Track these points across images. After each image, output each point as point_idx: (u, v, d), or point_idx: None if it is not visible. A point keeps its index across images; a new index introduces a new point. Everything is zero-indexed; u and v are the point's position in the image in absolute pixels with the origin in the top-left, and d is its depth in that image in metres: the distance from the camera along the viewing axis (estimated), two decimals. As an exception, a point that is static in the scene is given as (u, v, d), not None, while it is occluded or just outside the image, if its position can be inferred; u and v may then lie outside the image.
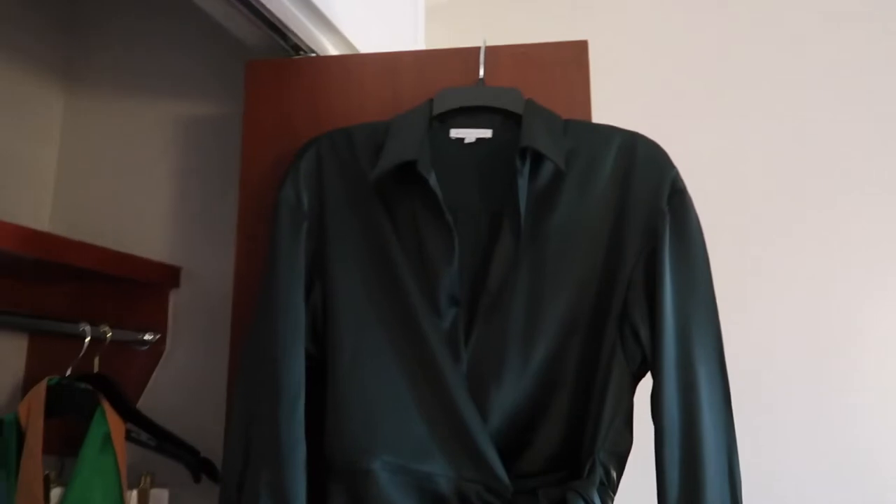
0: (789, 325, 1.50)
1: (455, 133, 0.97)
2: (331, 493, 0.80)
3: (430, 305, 0.86)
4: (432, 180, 0.87)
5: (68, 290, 1.35)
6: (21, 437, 1.09)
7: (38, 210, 1.45)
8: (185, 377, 1.31)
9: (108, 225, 1.41)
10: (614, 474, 0.81)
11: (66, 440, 1.16)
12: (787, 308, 1.50)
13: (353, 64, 1.08)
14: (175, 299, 1.35)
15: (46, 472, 1.09)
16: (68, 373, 1.15)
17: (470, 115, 0.97)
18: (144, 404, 1.27)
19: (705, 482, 0.78)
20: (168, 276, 1.35)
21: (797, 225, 1.52)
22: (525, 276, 0.87)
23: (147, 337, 1.31)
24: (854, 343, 1.48)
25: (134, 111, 1.45)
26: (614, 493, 0.81)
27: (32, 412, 1.11)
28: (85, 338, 1.16)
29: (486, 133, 0.96)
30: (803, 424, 1.47)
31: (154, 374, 1.31)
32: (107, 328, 1.21)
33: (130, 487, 1.15)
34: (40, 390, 1.12)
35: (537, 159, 0.89)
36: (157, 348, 1.32)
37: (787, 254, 1.52)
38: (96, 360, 1.21)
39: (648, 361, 0.83)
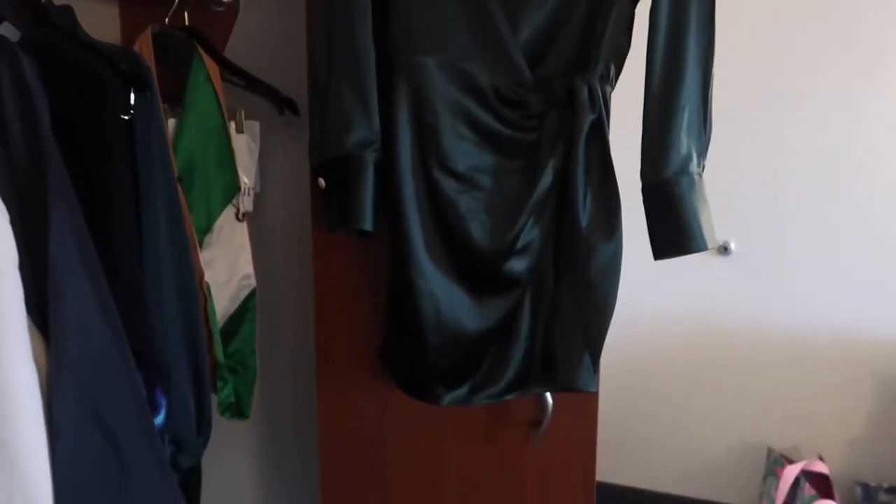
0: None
1: None
2: (396, 82, 1.06)
3: None
4: None
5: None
6: (138, 76, 1.34)
7: None
8: (259, 36, 1.51)
9: None
10: (613, 71, 1.05)
11: (172, 85, 1.40)
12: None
13: None
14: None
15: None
16: (166, 22, 1.37)
17: None
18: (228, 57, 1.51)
19: (684, 70, 1.01)
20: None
21: None
22: None
23: (223, -1, 1.50)
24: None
25: None
26: (612, 88, 1.06)
27: (143, 54, 1.35)
28: (175, -7, 1.36)
29: None
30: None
31: (233, 31, 1.53)
32: (190, -14, 1.40)
33: (229, 119, 1.43)
34: (147, 37, 1.33)
35: None
36: (232, 11, 1.52)
37: None
38: (186, 15, 1.42)
39: (648, -18, 1.02)
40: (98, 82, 1.00)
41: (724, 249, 2.00)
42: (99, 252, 0.92)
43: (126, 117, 1.03)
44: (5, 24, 1.05)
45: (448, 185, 1.04)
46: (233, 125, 1.43)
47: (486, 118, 1.04)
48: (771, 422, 1.98)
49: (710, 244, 1.02)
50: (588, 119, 1.00)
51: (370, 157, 1.05)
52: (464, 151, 1.04)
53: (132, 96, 1.03)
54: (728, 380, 2.02)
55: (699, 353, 2.03)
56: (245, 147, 1.46)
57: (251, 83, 1.45)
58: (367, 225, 1.04)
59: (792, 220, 1.90)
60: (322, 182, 1.08)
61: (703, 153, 1.05)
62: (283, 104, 1.45)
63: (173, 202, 1.11)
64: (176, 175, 1.26)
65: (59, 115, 0.94)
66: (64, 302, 0.82)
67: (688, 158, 1.02)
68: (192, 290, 1.21)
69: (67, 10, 1.11)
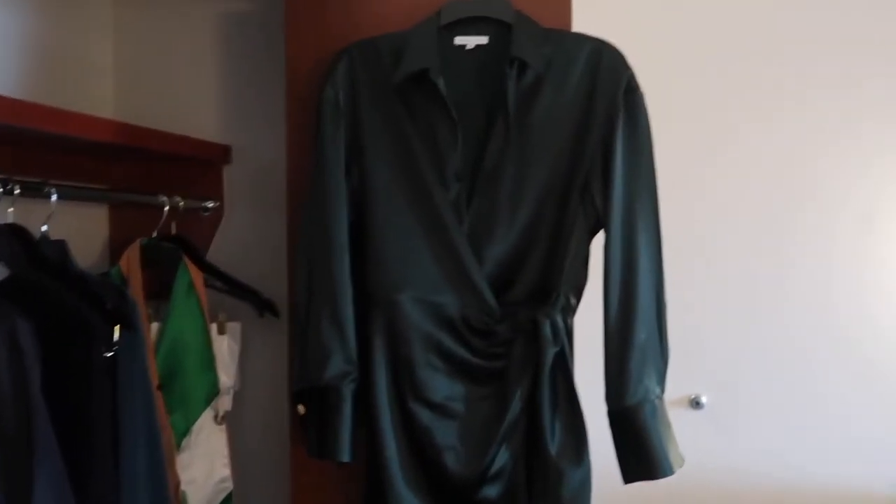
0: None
1: (458, 40, 1.19)
2: (372, 317, 1.13)
3: (440, 181, 1.14)
4: (441, 84, 1.12)
5: (137, 168, 1.59)
6: (125, 284, 1.40)
7: (101, 97, 1.68)
8: (241, 236, 1.60)
9: (166, 109, 1.62)
10: (573, 301, 1.13)
11: (157, 288, 1.45)
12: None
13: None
14: (228, 173, 1.63)
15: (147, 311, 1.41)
16: (154, 235, 1.45)
17: (470, 24, 1.20)
18: (211, 259, 1.58)
19: (638, 301, 1.10)
20: (220, 153, 1.60)
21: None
22: (513, 158, 1.14)
23: (209, 205, 1.59)
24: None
25: (181, 5, 1.63)
26: (573, 314, 1.14)
27: (132, 265, 1.41)
28: (164, 207, 1.45)
29: (483, 40, 1.19)
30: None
31: (216, 235, 1.61)
32: (179, 198, 1.49)
33: (211, 321, 1.48)
34: (136, 248, 1.41)
35: (523, 65, 1.13)
36: (217, 214, 1.60)
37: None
38: (173, 225, 1.51)
39: (602, 220, 1.12)
40: (84, 325, 1.05)
41: (695, 404, 2.01)
42: (76, 486, 0.94)
43: (109, 354, 1.07)
44: (-3, 263, 1.12)
45: (423, 415, 1.08)
46: (214, 327, 1.48)
47: (456, 348, 1.11)
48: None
49: (675, 468, 1.06)
50: (551, 352, 1.07)
51: (348, 389, 1.09)
52: (437, 382, 1.10)
53: (116, 334, 1.08)
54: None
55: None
56: (226, 348, 1.50)
57: (233, 287, 1.51)
58: (346, 457, 1.07)
59: (762, 372, 1.89)
60: (301, 409, 1.12)
61: (662, 377, 1.12)
62: (264, 307, 1.51)
63: (152, 427, 1.14)
64: (156, 384, 1.30)
65: (45, 355, 0.98)
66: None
67: (648, 387, 1.08)
68: (168, 505, 1.21)
69: (60, 245, 1.18)
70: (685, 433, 1.95)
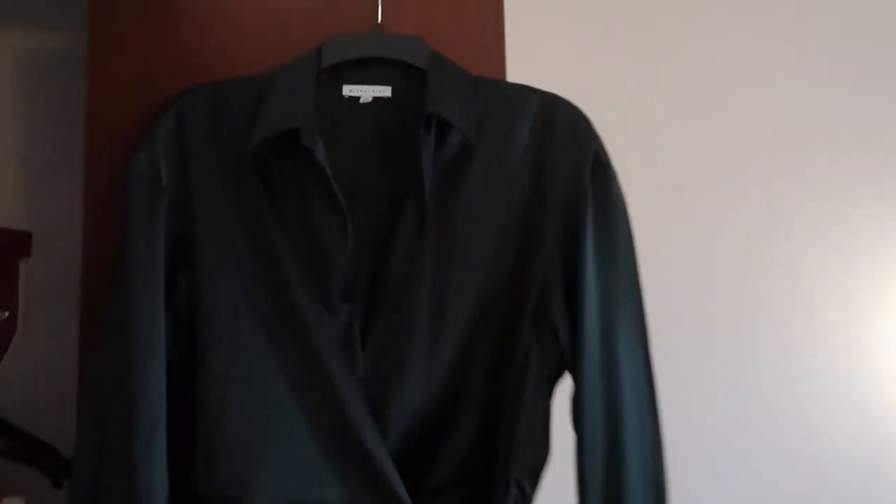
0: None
1: (348, 91, 0.82)
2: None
3: (320, 301, 0.74)
4: (320, 153, 0.74)
5: None
6: None
7: None
8: (42, 363, 1.16)
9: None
10: (530, 491, 0.73)
11: None
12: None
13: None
14: (26, 270, 1.18)
15: None
16: None
17: (366, 69, 0.83)
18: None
19: (628, 483, 0.72)
20: (16, 242, 1.16)
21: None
22: (430, 266, 0.76)
23: (-7, 317, 1.13)
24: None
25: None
26: (530, 513, 0.74)
27: None
28: None
29: (385, 91, 0.83)
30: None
31: (4, 360, 1.15)
32: (-63, 311, 1.03)
33: (-24, 499, 1.00)
34: None
35: (444, 127, 0.76)
36: (7, 329, 1.15)
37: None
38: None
39: (568, 362, 0.75)
40: None
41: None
42: None
43: None
44: None
45: None
46: (-18, 507, 1.01)
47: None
48: None
49: None
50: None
51: None
52: None
53: None
54: None
55: None
56: (0, 541, 1.02)
57: (19, 444, 1.06)
58: None
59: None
60: None
61: None
62: (63, 473, 1.04)
63: None
64: None
65: None
66: None
67: None
68: None
69: None
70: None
